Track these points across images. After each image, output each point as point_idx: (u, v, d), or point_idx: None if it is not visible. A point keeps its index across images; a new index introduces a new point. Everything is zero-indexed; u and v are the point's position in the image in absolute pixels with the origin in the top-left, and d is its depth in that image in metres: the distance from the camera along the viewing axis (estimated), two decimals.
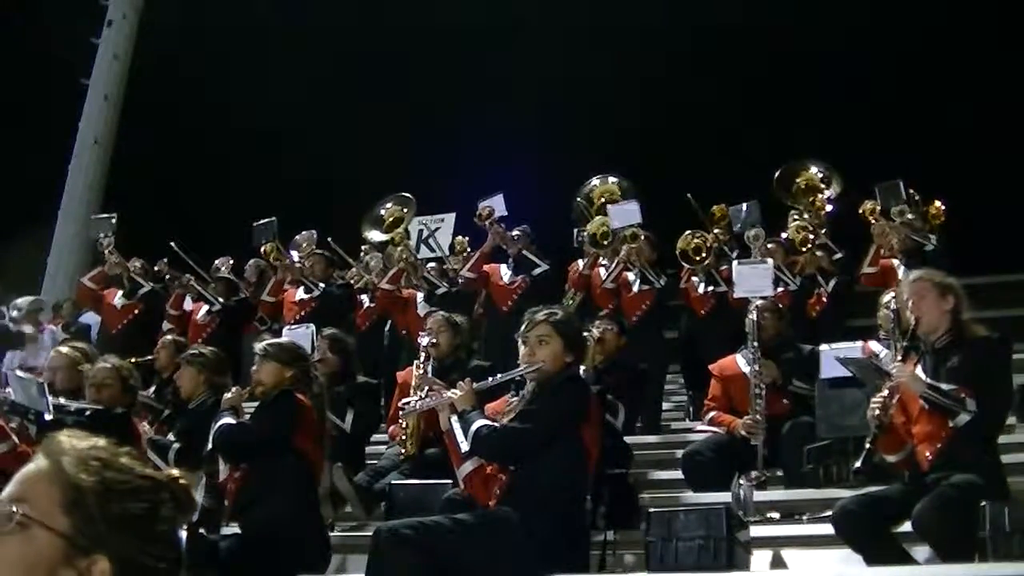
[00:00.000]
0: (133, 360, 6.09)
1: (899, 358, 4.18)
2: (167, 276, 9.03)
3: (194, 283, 8.77)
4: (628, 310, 7.66)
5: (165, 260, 9.04)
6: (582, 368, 4.78)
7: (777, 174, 8.58)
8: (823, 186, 8.48)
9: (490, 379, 4.38)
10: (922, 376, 4.04)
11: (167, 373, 6.80)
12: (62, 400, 5.06)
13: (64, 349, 5.76)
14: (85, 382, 5.28)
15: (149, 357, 7.19)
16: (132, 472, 1.35)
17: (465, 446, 4.06)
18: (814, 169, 8.58)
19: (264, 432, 4.52)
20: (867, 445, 3.98)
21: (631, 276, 7.85)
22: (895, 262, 7.35)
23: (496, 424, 4.09)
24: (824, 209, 8.36)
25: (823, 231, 8.17)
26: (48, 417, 4.60)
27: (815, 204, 8.33)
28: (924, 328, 4.14)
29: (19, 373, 4.99)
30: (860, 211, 8.19)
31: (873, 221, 7.78)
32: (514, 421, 4.08)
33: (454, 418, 4.15)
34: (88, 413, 4.88)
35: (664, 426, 7.61)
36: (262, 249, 9.04)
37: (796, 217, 8.31)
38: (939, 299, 4.13)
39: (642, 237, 7.83)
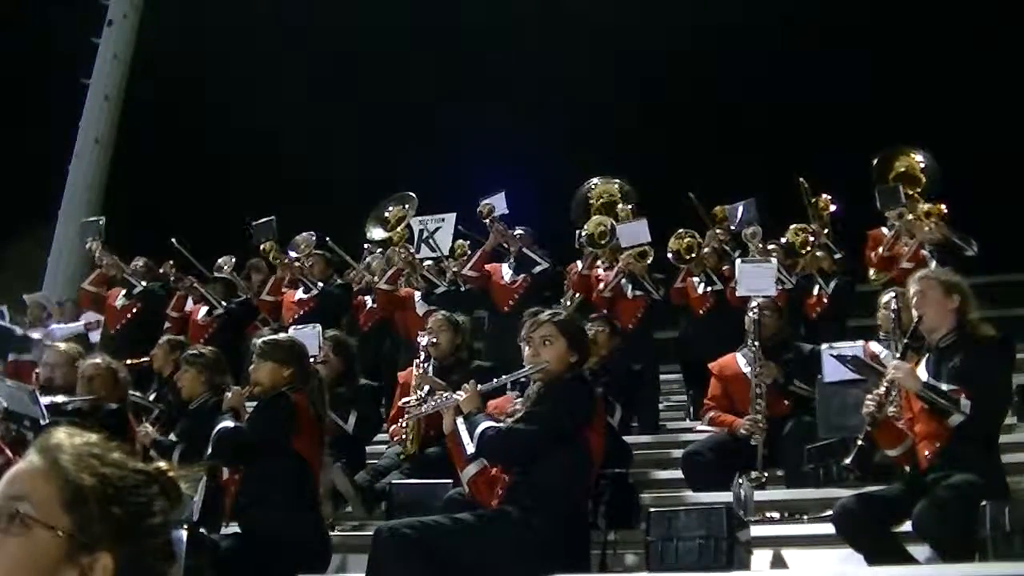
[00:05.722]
0: (128, 362, 6.11)
1: (897, 355, 4.17)
2: (172, 278, 9.02)
3: (197, 285, 8.77)
4: (624, 315, 7.61)
5: (171, 262, 9.03)
6: None
7: (876, 160, 8.26)
8: (922, 177, 8.12)
9: (495, 380, 4.37)
10: (922, 374, 4.04)
11: (166, 373, 6.80)
12: (58, 399, 5.07)
13: (61, 346, 5.78)
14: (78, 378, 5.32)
15: (145, 359, 7.19)
16: (127, 467, 1.34)
17: (470, 448, 4.05)
18: (918, 157, 8.25)
19: (261, 434, 4.50)
20: (859, 442, 3.99)
21: (624, 281, 7.84)
22: (925, 253, 6.98)
23: (501, 425, 4.08)
24: (828, 209, 8.33)
25: (826, 231, 8.13)
26: (44, 423, 4.59)
27: (819, 205, 8.30)
28: (926, 326, 4.13)
29: (8, 382, 4.96)
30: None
31: (896, 222, 7.40)
32: (519, 422, 4.07)
33: (459, 420, 4.14)
34: (81, 408, 4.88)
35: (663, 426, 7.62)
36: (261, 248, 9.03)
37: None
38: (943, 298, 4.12)
39: (651, 255, 7.79)
